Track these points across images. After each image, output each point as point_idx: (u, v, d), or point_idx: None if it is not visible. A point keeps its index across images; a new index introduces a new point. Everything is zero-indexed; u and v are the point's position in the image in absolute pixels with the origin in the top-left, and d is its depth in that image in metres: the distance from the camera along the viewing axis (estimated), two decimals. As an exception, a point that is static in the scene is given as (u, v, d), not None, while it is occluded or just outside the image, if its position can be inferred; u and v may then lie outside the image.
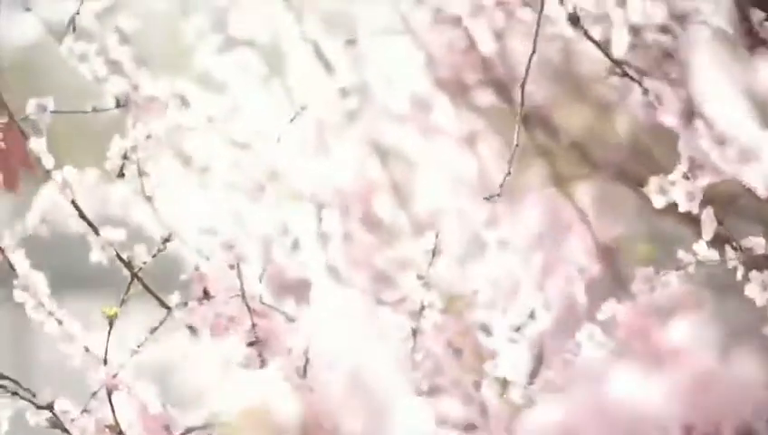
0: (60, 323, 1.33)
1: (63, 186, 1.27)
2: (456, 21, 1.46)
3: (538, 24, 1.22)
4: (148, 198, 1.34)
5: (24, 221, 1.62)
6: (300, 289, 1.52)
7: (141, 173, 1.26)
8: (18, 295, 1.35)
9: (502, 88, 1.76)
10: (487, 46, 1.61)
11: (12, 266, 1.35)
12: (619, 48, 1.20)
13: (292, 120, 1.25)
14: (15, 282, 1.34)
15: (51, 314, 1.33)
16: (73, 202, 1.27)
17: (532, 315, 1.25)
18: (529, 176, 1.81)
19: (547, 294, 1.42)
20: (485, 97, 1.80)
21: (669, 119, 1.31)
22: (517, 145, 1.21)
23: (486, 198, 1.17)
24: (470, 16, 1.46)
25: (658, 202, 1.32)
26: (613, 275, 1.78)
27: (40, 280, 1.35)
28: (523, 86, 1.25)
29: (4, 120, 1.35)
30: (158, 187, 1.35)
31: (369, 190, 1.67)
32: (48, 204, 1.62)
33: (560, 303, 1.42)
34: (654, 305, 1.29)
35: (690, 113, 1.20)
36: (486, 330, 1.37)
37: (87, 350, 1.33)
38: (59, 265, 1.43)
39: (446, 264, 1.65)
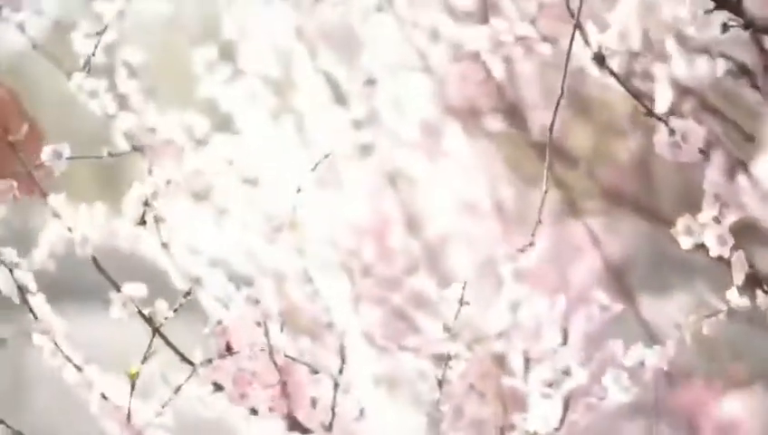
0: (79, 369, 1.30)
1: (83, 243, 1.24)
2: (475, 56, 1.44)
3: (566, 68, 1.19)
4: (165, 245, 1.31)
5: (31, 256, 1.60)
6: (315, 329, 1.50)
7: (159, 220, 1.23)
8: (37, 339, 1.32)
9: (513, 114, 1.74)
10: (502, 76, 1.60)
11: (31, 310, 1.33)
12: (663, 104, 1.17)
13: (313, 169, 1.22)
14: (34, 325, 1.32)
15: (69, 359, 1.31)
16: (94, 259, 1.25)
17: (567, 372, 1.22)
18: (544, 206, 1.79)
19: (571, 335, 1.39)
20: (496, 123, 1.79)
21: (695, 158, 1.29)
22: (546, 191, 1.18)
23: (520, 250, 1.14)
24: (490, 52, 1.44)
25: (686, 243, 1.29)
26: (637, 316, 1.77)
27: (59, 324, 1.33)
28: (551, 129, 1.22)
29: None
30: (175, 230, 1.32)
31: (385, 224, 1.65)
32: (55, 238, 1.60)
33: (583, 343, 1.39)
34: (685, 354, 1.27)
35: (732, 168, 1.18)
36: (511, 373, 1.35)
37: (104, 397, 1.30)
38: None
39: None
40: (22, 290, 1.34)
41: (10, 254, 1.34)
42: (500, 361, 1.42)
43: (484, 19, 1.66)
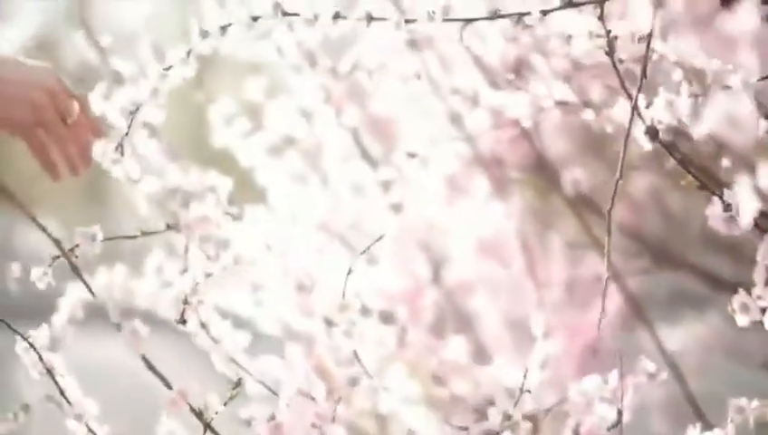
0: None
1: (133, 337, 1.20)
2: (515, 122, 1.40)
3: (624, 150, 1.16)
4: (204, 326, 1.27)
5: (51, 323, 1.56)
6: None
7: (203, 325, 1.19)
8: (71, 426, 1.29)
9: (544, 168, 1.71)
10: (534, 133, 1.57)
11: (62, 393, 1.29)
12: (747, 216, 1.14)
13: (363, 253, 1.19)
14: (67, 408, 1.28)
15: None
16: (144, 357, 1.20)
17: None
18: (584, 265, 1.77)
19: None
20: (525, 175, 1.76)
21: (750, 231, 1.26)
22: (609, 277, 1.15)
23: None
24: (529, 118, 1.40)
25: (742, 321, 1.27)
26: (658, 347, 1.74)
27: (92, 407, 1.29)
28: (609, 212, 1.19)
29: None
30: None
31: (418, 291, 1.62)
32: (75, 302, 1.56)
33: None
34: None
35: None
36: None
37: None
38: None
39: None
40: (51, 373, 1.31)
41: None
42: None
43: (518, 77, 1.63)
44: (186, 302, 1.20)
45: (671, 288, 2.08)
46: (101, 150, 1.60)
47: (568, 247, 1.77)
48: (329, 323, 1.45)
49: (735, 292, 1.25)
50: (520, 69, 1.67)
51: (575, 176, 1.70)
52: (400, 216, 1.61)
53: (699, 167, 1.38)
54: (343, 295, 1.21)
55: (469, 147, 1.61)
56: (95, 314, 1.47)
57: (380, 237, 1.21)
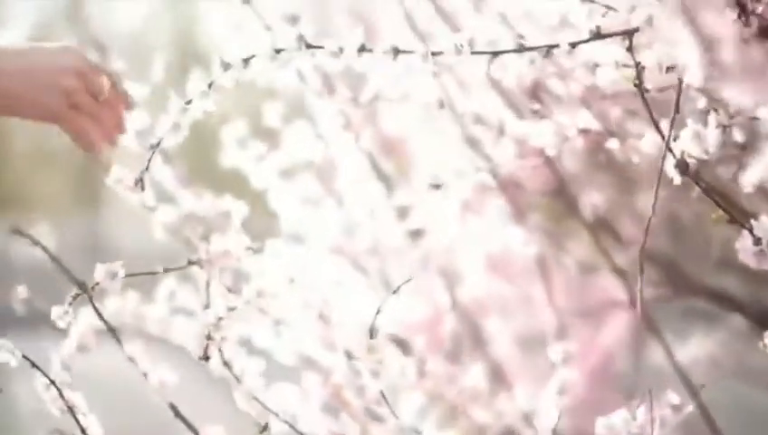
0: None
1: (161, 386, 1.18)
2: (540, 152, 1.38)
3: (657, 189, 1.14)
4: (227, 364, 1.24)
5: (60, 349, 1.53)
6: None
7: (226, 363, 1.17)
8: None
9: (562, 193, 1.69)
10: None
11: (83, 431, 1.28)
12: None
13: (395, 292, 1.17)
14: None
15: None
16: (172, 405, 1.18)
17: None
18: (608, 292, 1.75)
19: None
20: (543, 200, 1.74)
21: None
22: (642, 327, 1.13)
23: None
24: (554, 147, 1.38)
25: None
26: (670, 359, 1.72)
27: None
28: (642, 249, 1.17)
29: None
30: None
31: (438, 319, 1.59)
32: (86, 329, 1.54)
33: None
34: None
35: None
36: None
37: None
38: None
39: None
40: (72, 411, 1.28)
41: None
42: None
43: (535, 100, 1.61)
44: (209, 337, 1.17)
45: (684, 306, 2.07)
46: (116, 177, 1.59)
47: (584, 270, 1.75)
48: (350, 356, 1.43)
49: (747, 311, 1.23)
50: (537, 92, 1.65)
51: (593, 200, 1.68)
52: (419, 242, 1.60)
53: (721, 193, 1.36)
54: (370, 335, 1.19)
55: (492, 177, 1.59)
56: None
57: (408, 280, 1.18)
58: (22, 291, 1.64)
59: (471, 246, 1.73)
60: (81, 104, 1.30)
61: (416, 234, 1.60)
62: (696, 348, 2.10)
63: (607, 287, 1.84)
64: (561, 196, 1.70)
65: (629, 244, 1.71)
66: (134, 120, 1.62)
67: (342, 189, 1.64)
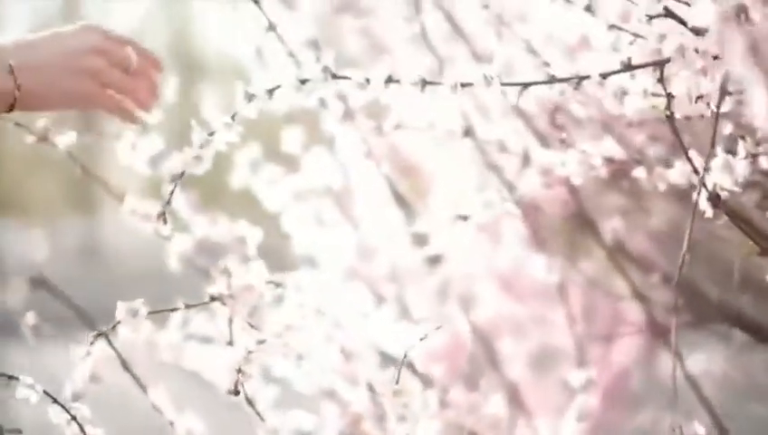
0: None
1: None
2: (564, 180, 1.36)
3: (692, 226, 1.12)
4: (251, 402, 1.22)
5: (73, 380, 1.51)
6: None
7: (250, 401, 1.15)
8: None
9: (584, 220, 1.67)
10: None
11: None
12: None
13: (423, 339, 1.15)
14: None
15: None
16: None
17: None
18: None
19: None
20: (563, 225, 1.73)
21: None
22: (674, 374, 1.11)
23: None
24: (579, 176, 1.36)
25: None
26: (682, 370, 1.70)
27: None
28: (676, 285, 1.14)
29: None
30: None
31: (458, 347, 1.57)
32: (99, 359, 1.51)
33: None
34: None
35: None
36: None
37: None
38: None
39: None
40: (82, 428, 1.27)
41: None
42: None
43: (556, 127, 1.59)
44: (240, 371, 1.15)
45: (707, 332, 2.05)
46: (131, 207, 1.56)
47: (603, 294, 1.73)
48: (372, 389, 1.41)
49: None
50: (557, 115, 1.63)
51: (614, 225, 1.66)
52: (438, 269, 1.57)
53: (745, 220, 1.34)
54: (397, 381, 1.16)
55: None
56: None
57: (438, 327, 1.16)
58: (30, 317, 1.62)
59: (488, 271, 1.71)
60: (112, 82, 1.27)
61: (434, 260, 1.57)
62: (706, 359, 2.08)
63: (625, 310, 1.82)
64: (580, 219, 1.68)
65: (647, 266, 1.69)
66: (146, 146, 1.61)
67: (360, 215, 1.61)
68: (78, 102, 1.27)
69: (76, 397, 1.32)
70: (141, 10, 8.93)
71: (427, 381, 1.46)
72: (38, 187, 8.88)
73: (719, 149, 1.25)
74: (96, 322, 1.51)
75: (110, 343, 1.20)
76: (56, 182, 9.01)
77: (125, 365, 1.35)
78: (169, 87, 1.61)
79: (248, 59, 1.53)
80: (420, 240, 1.56)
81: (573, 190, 1.56)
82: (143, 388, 1.37)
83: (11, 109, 1.22)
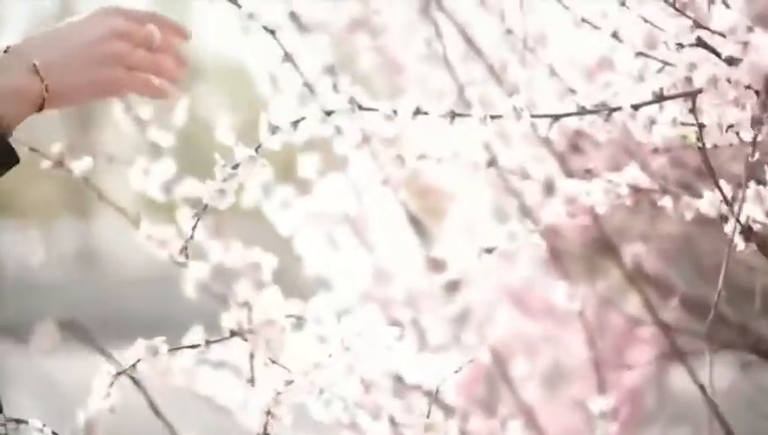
0: None
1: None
2: (589, 209, 1.33)
3: (727, 263, 1.10)
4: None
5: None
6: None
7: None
8: None
9: (606, 246, 1.64)
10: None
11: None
12: None
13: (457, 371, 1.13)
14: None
15: None
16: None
17: None
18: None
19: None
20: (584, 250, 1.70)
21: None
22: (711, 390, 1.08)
23: None
24: (604, 205, 1.33)
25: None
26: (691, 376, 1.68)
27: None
28: (710, 322, 1.12)
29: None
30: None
31: (477, 375, 1.55)
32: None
33: None
34: None
35: None
36: None
37: None
38: None
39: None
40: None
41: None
42: None
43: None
44: (269, 413, 1.12)
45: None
46: (146, 232, 1.53)
47: (626, 321, 1.71)
48: (394, 422, 1.38)
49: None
50: (577, 139, 1.60)
51: (635, 250, 1.64)
52: (455, 295, 1.55)
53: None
54: (428, 415, 1.14)
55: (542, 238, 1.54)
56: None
57: (471, 360, 1.13)
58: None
59: (506, 295, 1.69)
60: (138, 63, 1.22)
61: (452, 286, 1.55)
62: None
63: (643, 333, 1.80)
64: (600, 244, 1.65)
65: (666, 290, 1.67)
66: (159, 171, 1.58)
67: (377, 241, 1.59)
68: (107, 91, 1.23)
69: (88, 428, 1.29)
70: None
71: (448, 411, 1.44)
72: (35, 190, 8.80)
73: (752, 184, 1.23)
74: (94, 326, 1.49)
75: (135, 382, 1.17)
76: (53, 186, 8.95)
77: (155, 410, 1.32)
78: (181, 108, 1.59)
79: (263, 84, 1.50)
80: (437, 265, 1.54)
81: (595, 217, 1.53)
82: (170, 427, 1.34)
83: (40, 109, 1.18)
